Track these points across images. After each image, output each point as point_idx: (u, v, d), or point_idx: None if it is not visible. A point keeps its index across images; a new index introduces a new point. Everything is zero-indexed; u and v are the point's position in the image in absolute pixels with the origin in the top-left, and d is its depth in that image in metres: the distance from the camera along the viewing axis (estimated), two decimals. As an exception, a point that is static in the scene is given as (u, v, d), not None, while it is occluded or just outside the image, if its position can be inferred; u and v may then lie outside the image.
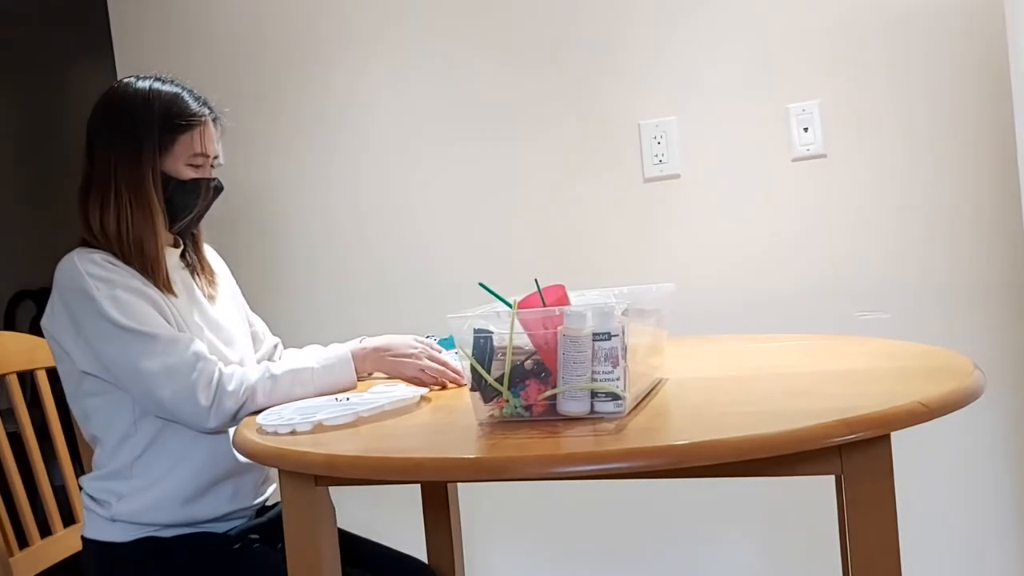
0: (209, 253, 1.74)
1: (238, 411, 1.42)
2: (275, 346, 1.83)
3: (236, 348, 1.62)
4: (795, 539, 2.24)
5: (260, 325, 1.83)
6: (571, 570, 2.42)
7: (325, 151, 2.53)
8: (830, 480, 1.86)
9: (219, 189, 1.61)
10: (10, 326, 5.02)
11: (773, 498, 2.24)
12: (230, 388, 1.41)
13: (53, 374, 1.79)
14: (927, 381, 1.15)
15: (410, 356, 1.57)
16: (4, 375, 1.67)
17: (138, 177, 1.51)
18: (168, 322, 1.47)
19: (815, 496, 2.15)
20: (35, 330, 1.83)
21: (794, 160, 2.17)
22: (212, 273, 1.70)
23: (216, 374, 1.42)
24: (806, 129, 2.15)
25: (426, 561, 1.76)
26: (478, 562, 2.44)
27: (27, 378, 1.74)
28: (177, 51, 2.64)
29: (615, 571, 2.38)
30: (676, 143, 2.24)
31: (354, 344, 1.60)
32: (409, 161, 2.46)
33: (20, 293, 5.31)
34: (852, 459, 1.03)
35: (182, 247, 1.65)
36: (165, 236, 1.57)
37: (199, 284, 1.65)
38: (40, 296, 5.23)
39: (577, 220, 2.33)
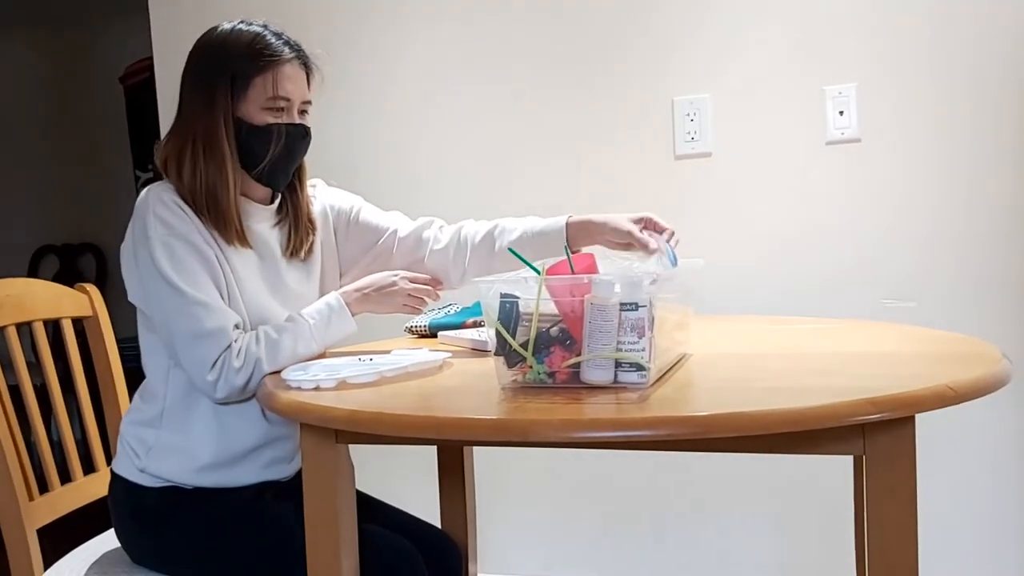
0: (323, 199, 1.68)
1: (246, 384, 1.41)
2: (430, 225, 1.72)
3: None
4: (810, 520, 2.23)
5: (388, 221, 1.72)
6: (582, 542, 2.43)
7: (348, 110, 2.53)
8: (846, 461, 1.85)
9: (300, 136, 1.53)
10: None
11: (789, 478, 2.24)
12: (236, 364, 1.40)
13: (78, 325, 1.81)
14: (955, 366, 1.14)
15: (392, 285, 1.57)
16: (30, 322, 1.68)
17: (211, 125, 1.47)
18: (216, 283, 1.45)
19: (831, 477, 2.15)
20: (58, 283, 1.85)
21: (828, 143, 2.15)
22: (310, 230, 1.63)
23: (225, 351, 1.40)
24: (842, 112, 2.13)
25: (439, 526, 1.77)
26: (490, 530, 2.45)
27: (50, 327, 1.75)
28: (212, 8, 2.63)
29: (626, 544, 2.39)
30: (709, 121, 2.23)
31: (334, 293, 1.56)
32: (435, 131, 2.46)
33: (44, 247, 5.36)
34: (875, 439, 1.03)
35: (278, 201, 1.60)
36: (247, 187, 1.54)
37: (287, 241, 1.59)
38: (63, 251, 5.28)
39: (606, 193, 2.32)
